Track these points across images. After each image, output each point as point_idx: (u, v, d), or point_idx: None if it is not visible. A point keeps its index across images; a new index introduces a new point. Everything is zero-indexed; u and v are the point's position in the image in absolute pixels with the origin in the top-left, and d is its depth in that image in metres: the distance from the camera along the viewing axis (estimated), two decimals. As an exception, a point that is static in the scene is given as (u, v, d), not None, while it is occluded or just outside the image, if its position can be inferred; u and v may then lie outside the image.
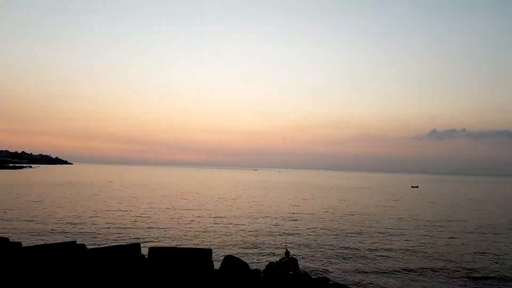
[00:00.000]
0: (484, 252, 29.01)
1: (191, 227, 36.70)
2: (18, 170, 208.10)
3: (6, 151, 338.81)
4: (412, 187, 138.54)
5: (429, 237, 34.66)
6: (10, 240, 16.30)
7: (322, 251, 27.90)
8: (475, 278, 22.11)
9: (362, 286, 20.13)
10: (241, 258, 18.32)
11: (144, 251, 17.68)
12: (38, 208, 47.61)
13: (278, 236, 32.93)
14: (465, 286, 20.81)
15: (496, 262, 25.99)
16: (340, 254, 26.90)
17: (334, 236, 33.89)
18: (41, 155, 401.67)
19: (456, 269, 23.96)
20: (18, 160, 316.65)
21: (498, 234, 37.65)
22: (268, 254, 26.28)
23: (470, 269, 23.93)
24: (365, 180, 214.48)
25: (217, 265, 17.05)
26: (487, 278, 22.23)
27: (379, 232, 36.54)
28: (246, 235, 33.51)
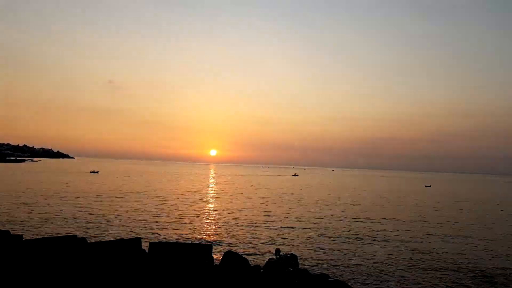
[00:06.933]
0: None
1: (192, 223, 36.78)
2: (19, 163, 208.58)
3: (8, 144, 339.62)
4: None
5: (434, 236, 34.69)
6: (12, 233, 16.35)
7: (322, 248, 27.94)
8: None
9: (362, 284, 20.17)
10: (242, 254, 18.36)
11: (145, 246, 17.73)
12: (39, 201, 47.76)
13: (279, 234, 33.02)
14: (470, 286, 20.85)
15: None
16: (340, 252, 26.94)
17: (335, 234, 33.93)
18: (42, 148, 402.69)
19: (462, 270, 23.98)
20: (19, 154, 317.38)
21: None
22: (269, 251, 26.34)
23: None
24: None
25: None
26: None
27: (381, 231, 36.58)
28: (247, 232, 33.58)
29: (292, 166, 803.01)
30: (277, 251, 21.43)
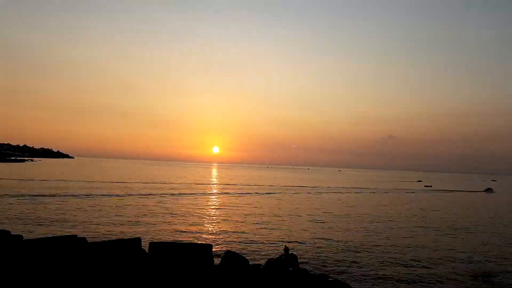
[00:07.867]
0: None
1: (192, 222, 36.78)
2: (19, 163, 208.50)
3: (8, 144, 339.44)
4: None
5: (435, 235, 34.68)
6: (12, 233, 16.35)
7: (322, 248, 27.93)
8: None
9: (362, 283, 20.16)
10: (242, 254, 18.36)
11: (145, 246, 17.73)
12: (39, 201, 47.73)
13: (280, 232, 33.01)
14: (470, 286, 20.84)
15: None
16: (340, 252, 26.94)
17: (335, 234, 33.92)
18: (42, 148, 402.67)
19: (462, 269, 23.97)
20: (19, 153, 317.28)
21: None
22: (268, 250, 26.35)
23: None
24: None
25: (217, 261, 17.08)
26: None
27: (381, 230, 36.57)
28: (247, 231, 33.57)
29: (292, 166, 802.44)
30: (286, 249, 21.37)
